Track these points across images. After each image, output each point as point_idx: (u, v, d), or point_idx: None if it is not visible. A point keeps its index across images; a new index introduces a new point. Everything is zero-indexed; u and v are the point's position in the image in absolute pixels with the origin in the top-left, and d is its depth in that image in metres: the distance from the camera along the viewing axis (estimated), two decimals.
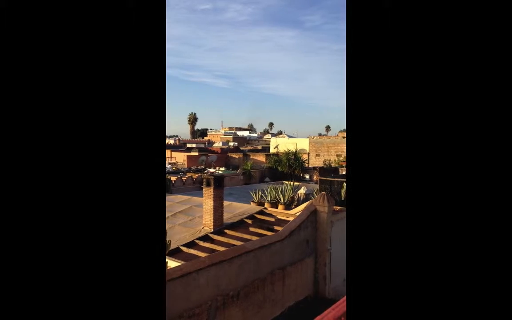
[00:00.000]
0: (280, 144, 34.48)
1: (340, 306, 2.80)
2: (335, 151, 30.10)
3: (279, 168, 23.29)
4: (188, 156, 33.01)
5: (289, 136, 47.45)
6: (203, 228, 9.30)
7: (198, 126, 75.28)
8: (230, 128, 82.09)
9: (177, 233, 9.25)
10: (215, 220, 9.17)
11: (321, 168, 20.60)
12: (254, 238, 8.10)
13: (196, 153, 34.48)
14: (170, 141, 60.28)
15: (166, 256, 7.41)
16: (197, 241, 8.64)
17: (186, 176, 20.65)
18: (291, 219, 8.92)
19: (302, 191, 12.71)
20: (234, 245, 7.88)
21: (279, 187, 11.74)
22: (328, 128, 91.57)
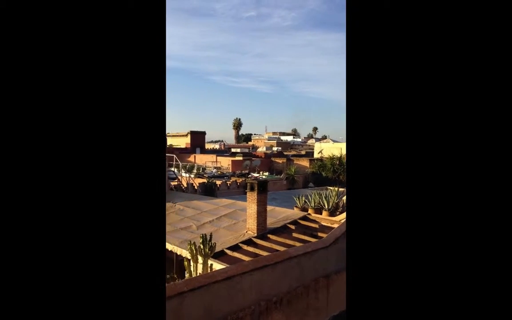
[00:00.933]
0: (324, 149, 33.86)
1: None
2: None
3: (323, 173, 22.86)
4: (232, 161, 33.64)
5: (334, 141, 46.44)
6: (246, 232, 9.40)
7: (243, 131, 76.48)
8: (274, 133, 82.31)
9: (222, 236, 9.44)
10: (258, 225, 9.22)
11: None
12: (298, 244, 8.01)
13: (241, 158, 35.03)
14: (215, 146, 61.86)
15: (212, 258, 7.59)
16: (241, 244, 8.75)
17: (231, 181, 21.02)
18: (335, 226, 8.69)
19: None
20: (277, 250, 7.86)
21: (323, 192, 11.52)
22: None
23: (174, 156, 22.25)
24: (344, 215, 9.75)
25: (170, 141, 47.62)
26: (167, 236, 9.83)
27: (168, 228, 10.63)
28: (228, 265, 6.51)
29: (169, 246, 9.33)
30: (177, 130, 52.88)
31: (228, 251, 8.41)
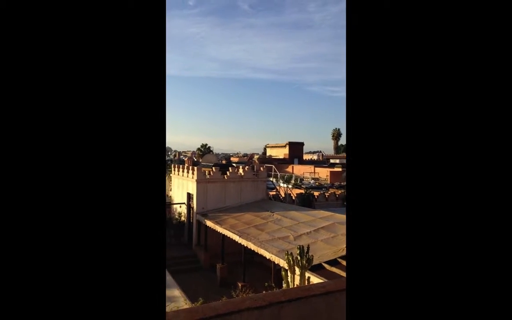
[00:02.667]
0: None
1: None
2: None
3: None
4: (331, 172, 32.82)
5: None
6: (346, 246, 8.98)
7: (342, 141, 74.10)
8: None
9: (319, 249, 9.22)
10: None
11: None
12: None
13: (340, 169, 33.92)
14: (313, 156, 61.35)
15: (309, 271, 7.47)
16: (339, 259, 8.40)
17: (329, 192, 20.46)
18: None
19: None
20: None
21: None
22: None
23: (273, 166, 22.86)
24: None
25: (269, 151, 49.09)
26: (266, 244, 10.07)
27: (266, 236, 10.90)
28: (326, 280, 6.30)
29: (267, 255, 9.54)
30: (275, 141, 54.32)
31: (326, 265, 8.17)
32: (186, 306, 7.64)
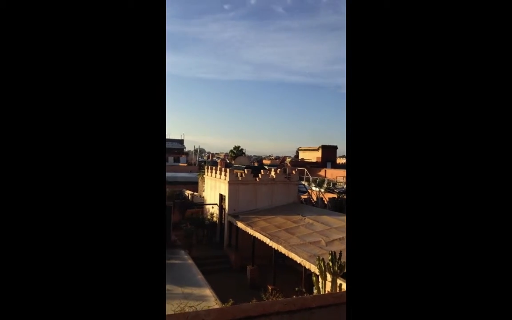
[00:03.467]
0: None
1: None
2: None
3: None
4: None
5: None
6: None
7: None
8: None
9: None
10: None
11: None
12: None
13: None
14: None
15: (341, 278, 7.31)
16: None
17: None
18: None
19: None
20: None
21: None
22: None
23: (305, 169, 22.62)
24: None
25: (301, 155, 48.66)
26: (296, 248, 9.99)
27: (297, 240, 10.80)
28: None
29: (297, 259, 9.46)
30: (308, 144, 53.81)
31: None
32: (216, 306, 7.75)
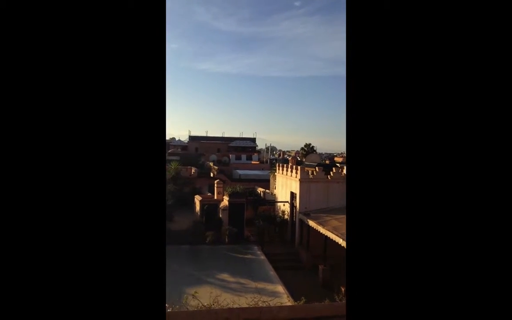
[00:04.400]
0: None
1: None
2: None
3: None
4: None
5: None
6: None
7: None
8: None
9: None
10: None
11: None
12: None
13: None
14: None
15: None
16: None
17: None
18: None
19: None
20: None
21: None
22: None
23: None
24: None
25: None
26: None
27: None
28: None
29: None
30: None
31: None
32: (289, 303, 7.85)
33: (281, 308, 2.83)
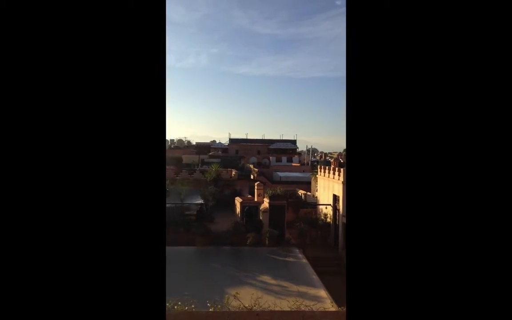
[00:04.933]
0: None
1: None
2: None
3: None
4: None
5: None
6: None
7: None
8: None
9: None
10: None
11: None
12: None
13: None
14: None
15: None
16: None
17: None
18: None
19: None
20: None
21: None
22: None
23: None
24: None
25: None
26: None
27: None
28: None
29: None
30: None
31: None
32: (332, 309, 7.58)
33: (324, 313, 2.68)
